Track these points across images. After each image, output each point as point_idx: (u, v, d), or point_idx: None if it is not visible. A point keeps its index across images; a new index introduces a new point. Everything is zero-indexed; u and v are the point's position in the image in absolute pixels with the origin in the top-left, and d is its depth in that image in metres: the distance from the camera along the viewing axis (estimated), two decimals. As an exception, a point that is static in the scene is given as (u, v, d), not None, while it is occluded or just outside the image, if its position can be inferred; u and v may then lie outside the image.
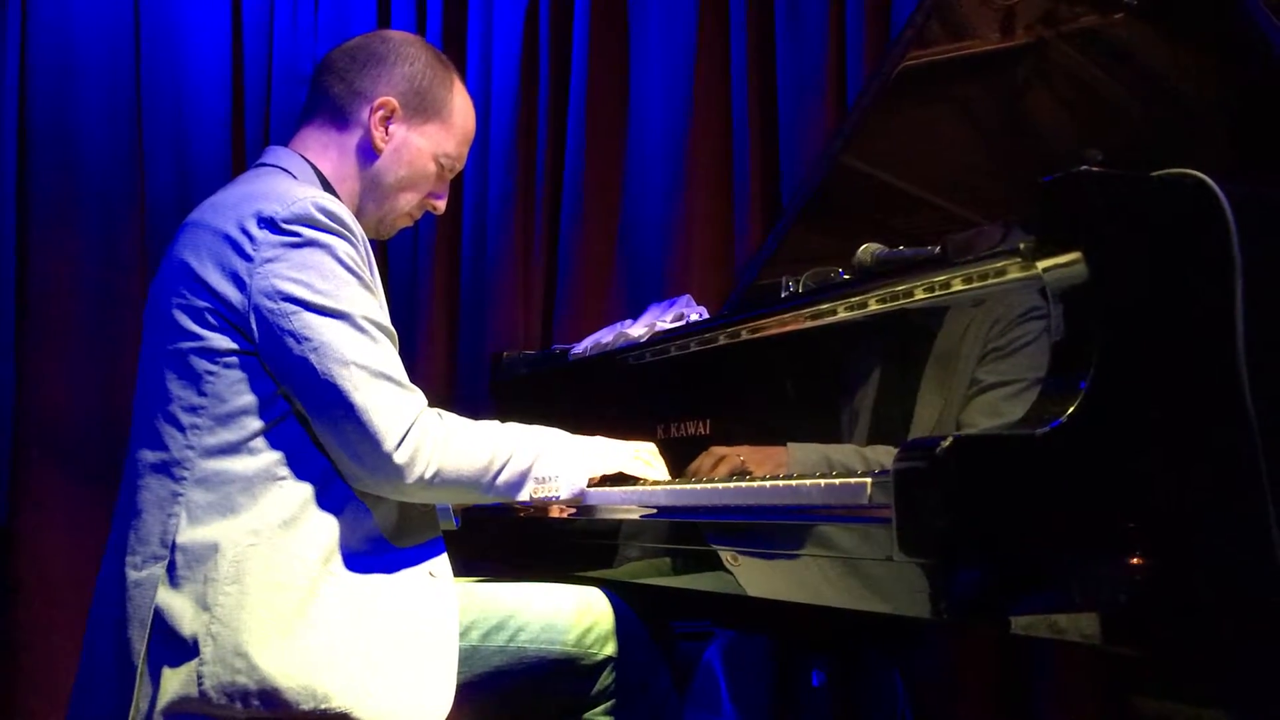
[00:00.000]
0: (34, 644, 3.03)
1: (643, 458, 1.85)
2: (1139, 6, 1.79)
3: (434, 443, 1.61)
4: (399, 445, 1.57)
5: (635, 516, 1.76)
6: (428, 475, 1.60)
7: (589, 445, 1.81)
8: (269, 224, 1.59)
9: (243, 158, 3.23)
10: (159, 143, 3.22)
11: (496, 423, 1.75)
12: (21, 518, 3.05)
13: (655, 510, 1.72)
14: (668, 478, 1.85)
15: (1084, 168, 1.28)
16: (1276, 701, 1.26)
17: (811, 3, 2.91)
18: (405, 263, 3.28)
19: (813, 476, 1.40)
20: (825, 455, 1.63)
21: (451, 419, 1.67)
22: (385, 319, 1.65)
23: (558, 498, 1.74)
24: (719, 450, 1.82)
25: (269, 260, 1.58)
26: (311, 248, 1.59)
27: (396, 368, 1.62)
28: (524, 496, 1.71)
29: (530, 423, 1.82)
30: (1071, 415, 1.20)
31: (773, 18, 2.97)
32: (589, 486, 1.78)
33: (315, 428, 1.60)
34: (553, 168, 3.22)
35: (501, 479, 1.68)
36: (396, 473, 1.58)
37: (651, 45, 3.15)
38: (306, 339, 1.56)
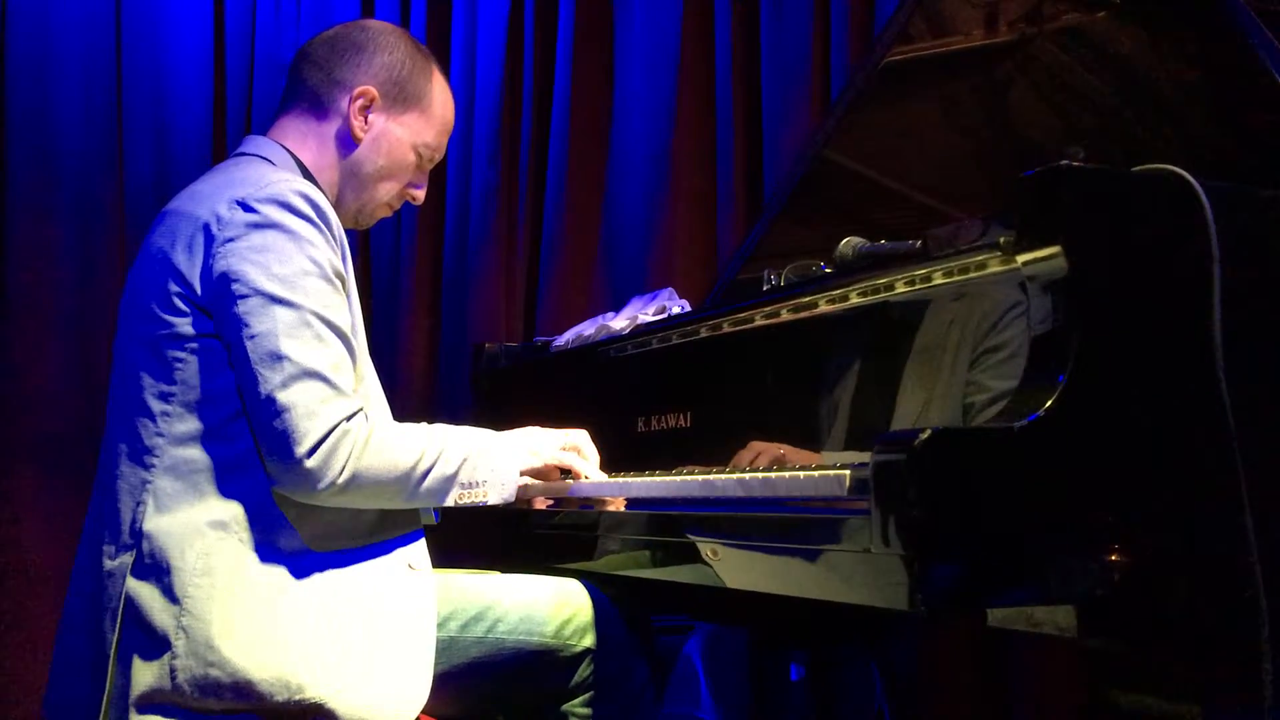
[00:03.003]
0: (11, 634, 3.01)
1: (572, 444, 1.81)
2: (1122, 5, 1.80)
3: (350, 448, 1.54)
4: (312, 450, 1.51)
5: (613, 508, 1.75)
6: (340, 482, 1.53)
7: (517, 443, 1.76)
8: (241, 205, 1.57)
9: (223, 147, 3.21)
10: (139, 132, 3.19)
11: (425, 426, 1.69)
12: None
13: (634, 502, 1.72)
14: (597, 465, 1.82)
15: (1064, 163, 1.29)
16: (1250, 695, 1.26)
17: (795, -3, 2.91)
18: (387, 253, 3.27)
19: (792, 469, 1.40)
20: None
21: (377, 423, 1.61)
22: (341, 318, 1.59)
23: (485, 504, 1.69)
24: (759, 445, 1.78)
25: (231, 239, 1.55)
26: (275, 230, 1.56)
27: (335, 369, 1.55)
28: (448, 503, 1.66)
29: (512, 414, 1.82)
30: (1049, 409, 1.20)
31: (757, 11, 2.97)
32: (520, 479, 1.74)
33: (248, 419, 1.55)
34: (536, 159, 3.22)
35: (425, 485, 1.63)
36: (306, 478, 1.52)
37: (636, 35, 3.15)
38: (247, 325, 1.53)
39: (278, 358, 1.52)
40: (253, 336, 1.52)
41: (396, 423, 1.68)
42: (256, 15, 3.29)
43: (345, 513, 1.61)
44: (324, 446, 1.51)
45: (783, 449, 1.75)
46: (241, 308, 1.53)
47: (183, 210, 1.63)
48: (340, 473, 1.53)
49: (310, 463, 1.51)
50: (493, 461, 1.70)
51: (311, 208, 1.59)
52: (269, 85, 3.24)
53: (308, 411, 1.51)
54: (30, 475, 3.05)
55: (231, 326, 1.54)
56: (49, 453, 3.05)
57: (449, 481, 1.65)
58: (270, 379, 1.51)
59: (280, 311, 1.53)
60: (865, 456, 1.44)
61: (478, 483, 1.68)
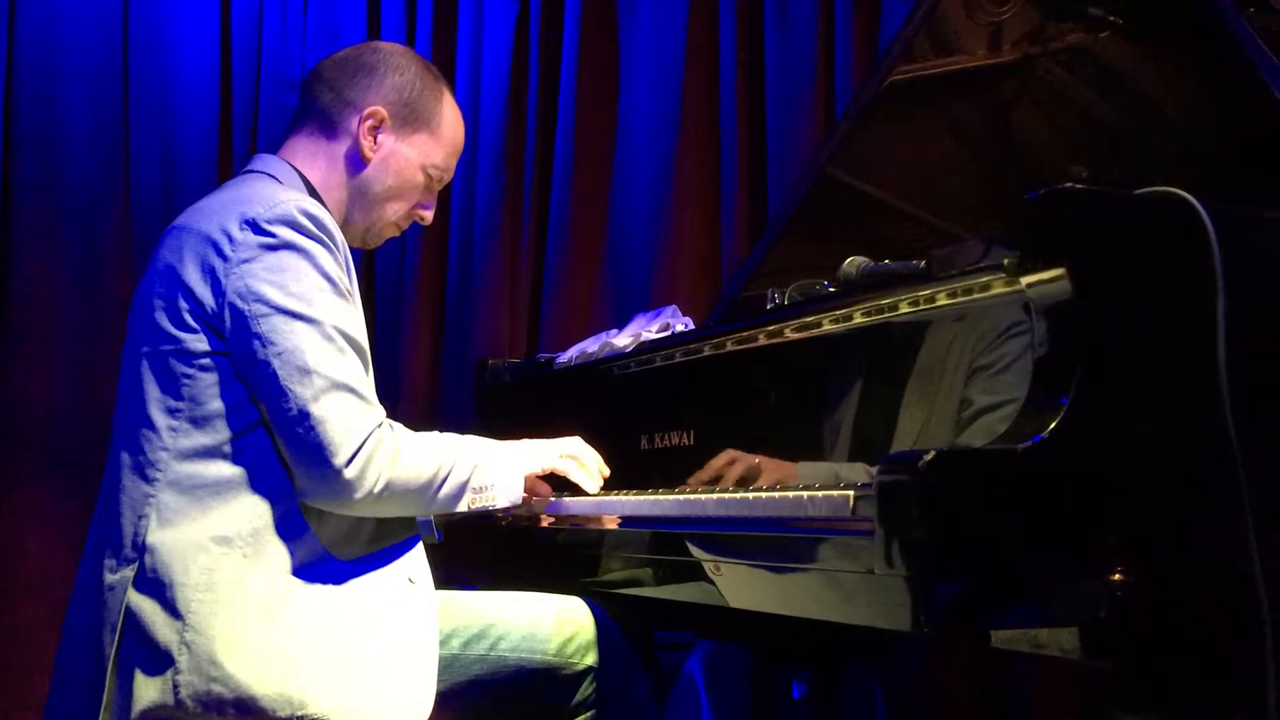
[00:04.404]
0: (12, 646, 3.00)
1: (569, 453, 1.84)
2: (1125, 26, 1.81)
3: (384, 458, 1.58)
4: (350, 460, 1.54)
5: (616, 526, 1.76)
6: (376, 490, 1.57)
7: (518, 450, 1.80)
8: (251, 225, 1.58)
9: (229, 164, 3.21)
10: (145, 148, 3.19)
11: (436, 434, 1.73)
12: (2, 519, 3.03)
13: (638, 520, 1.72)
14: (598, 473, 1.84)
15: (1068, 185, 1.29)
16: (1254, 716, 1.26)
17: (801, 15, 2.92)
18: (391, 269, 3.27)
19: (796, 489, 1.40)
20: (835, 473, 1.62)
21: (401, 432, 1.65)
22: (357, 331, 1.62)
23: (493, 507, 1.73)
24: (733, 453, 1.80)
25: (245, 260, 1.57)
26: (289, 250, 1.58)
27: (360, 381, 1.59)
28: (462, 508, 1.70)
29: (515, 431, 1.82)
30: (1053, 431, 1.20)
31: (762, 29, 2.98)
32: (525, 492, 1.77)
33: (275, 435, 1.58)
34: (540, 177, 3.23)
35: (443, 491, 1.67)
36: (345, 489, 1.55)
37: (640, 56, 3.16)
38: (272, 343, 1.55)
39: (306, 372, 1.54)
40: (279, 354, 1.54)
41: (411, 431, 1.69)
42: (263, 32, 3.30)
43: (345, 526, 1.62)
44: (360, 456, 1.55)
45: (757, 460, 1.75)
46: (263, 326, 1.55)
47: (191, 227, 1.64)
48: (376, 481, 1.57)
49: (349, 473, 1.54)
50: (499, 465, 1.74)
51: (317, 225, 1.60)
52: (275, 101, 3.24)
53: (342, 424, 1.55)
54: (34, 487, 3.05)
55: (252, 345, 1.55)
56: (53, 464, 3.05)
57: (463, 487, 1.69)
58: (301, 394, 1.54)
59: (302, 328, 1.56)
60: (855, 468, 1.43)
61: (488, 486, 1.72)
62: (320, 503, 1.58)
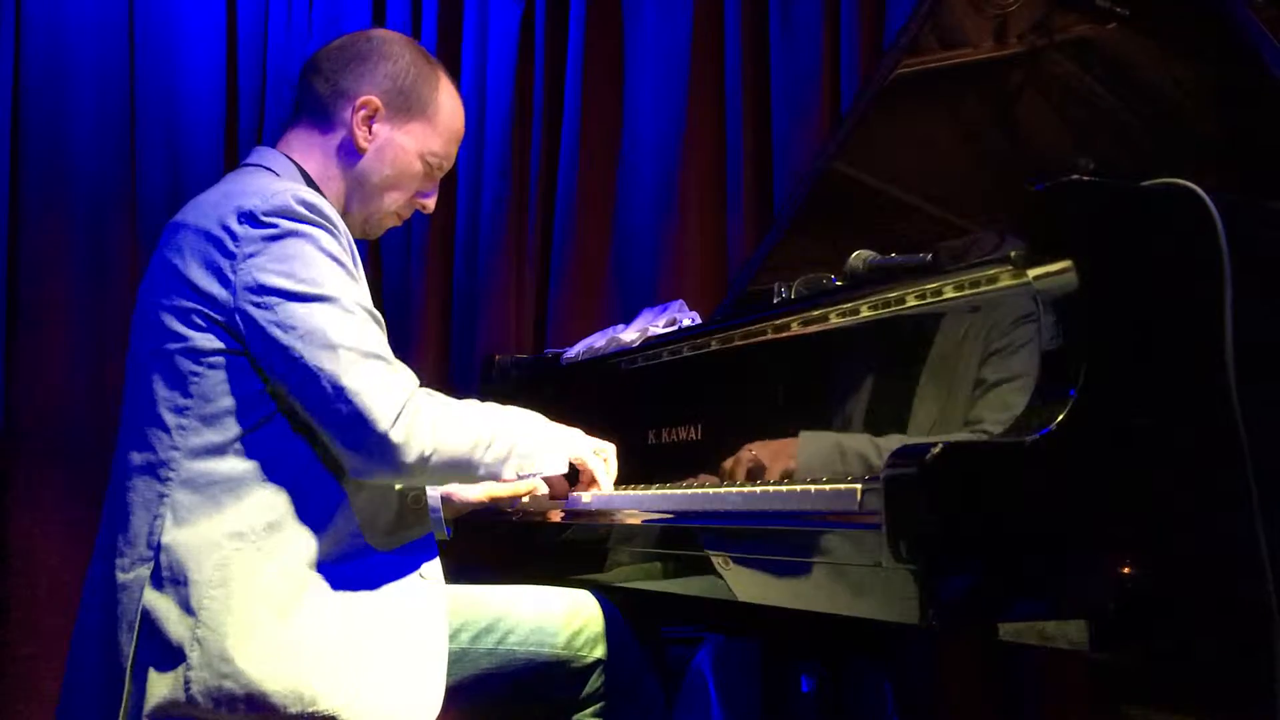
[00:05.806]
0: (24, 645, 3.01)
1: (603, 451, 1.85)
2: (1132, 17, 1.80)
3: (429, 420, 1.58)
4: (394, 424, 1.53)
5: (626, 520, 1.76)
6: (426, 452, 1.56)
7: (559, 428, 1.81)
8: (249, 218, 1.58)
9: (235, 159, 3.22)
10: (151, 144, 3.21)
11: (475, 401, 1.73)
12: (12, 520, 3.04)
13: (648, 514, 1.72)
14: (613, 480, 1.85)
15: (1074, 177, 1.29)
16: (1264, 707, 1.26)
17: (805, 10, 2.92)
18: (398, 264, 3.27)
19: (804, 482, 1.41)
20: (838, 443, 1.62)
21: (440, 397, 1.65)
22: (372, 305, 1.62)
23: (539, 473, 1.74)
24: (738, 455, 1.80)
25: (251, 255, 1.57)
26: (292, 238, 1.57)
27: (385, 348, 1.59)
28: (509, 473, 1.69)
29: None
30: (1060, 423, 1.20)
31: (767, 24, 2.98)
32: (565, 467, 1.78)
33: (311, 419, 1.57)
34: (547, 171, 3.23)
35: (490, 455, 1.66)
36: (394, 453, 1.54)
37: (646, 50, 3.16)
38: (293, 328, 1.54)
39: (333, 348, 1.53)
40: (302, 336, 1.54)
41: (449, 398, 1.70)
42: (269, 27, 3.30)
43: (356, 524, 1.62)
44: (403, 419, 1.54)
45: (753, 450, 1.74)
46: (280, 314, 1.54)
47: (190, 224, 1.63)
48: (425, 442, 1.56)
49: (396, 436, 1.53)
50: (541, 436, 1.74)
51: (314, 211, 1.60)
52: (280, 97, 3.25)
53: (380, 390, 1.54)
54: (43, 485, 3.06)
55: (273, 337, 1.55)
56: (64, 463, 3.06)
57: (510, 451, 1.68)
58: (332, 370, 1.53)
59: (320, 307, 1.55)
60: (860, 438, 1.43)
61: (532, 453, 1.71)
62: (373, 475, 1.57)
